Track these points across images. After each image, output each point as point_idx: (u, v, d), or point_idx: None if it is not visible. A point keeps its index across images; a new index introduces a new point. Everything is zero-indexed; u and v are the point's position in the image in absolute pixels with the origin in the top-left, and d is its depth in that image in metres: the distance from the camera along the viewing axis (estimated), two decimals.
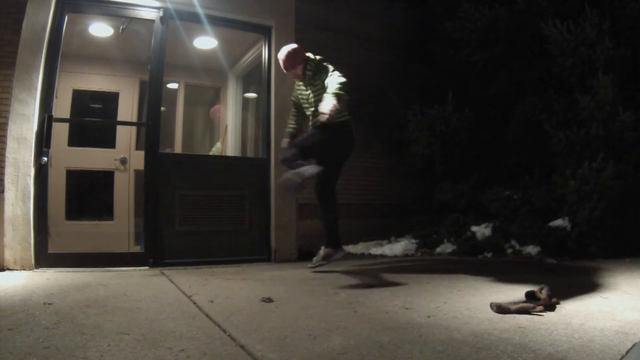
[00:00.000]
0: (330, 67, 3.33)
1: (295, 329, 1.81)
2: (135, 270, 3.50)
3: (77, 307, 2.14)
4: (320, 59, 3.43)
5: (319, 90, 3.30)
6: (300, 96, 3.59)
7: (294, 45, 3.48)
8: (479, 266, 3.87)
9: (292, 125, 3.73)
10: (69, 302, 2.25)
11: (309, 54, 3.45)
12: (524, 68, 5.31)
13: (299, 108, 3.70)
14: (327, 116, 2.99)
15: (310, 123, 3.56)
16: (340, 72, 3.26)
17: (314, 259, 3.54)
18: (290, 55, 3.40)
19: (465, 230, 4.93)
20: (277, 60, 4.33)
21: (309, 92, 3.46)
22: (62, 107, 4.70)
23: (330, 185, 3.42)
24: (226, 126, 5.75)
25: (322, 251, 3.48)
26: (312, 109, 3.46)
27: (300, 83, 3.55)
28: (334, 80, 3.14)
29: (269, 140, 4.33)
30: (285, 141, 3.69)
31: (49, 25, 3.53)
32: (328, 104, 2.98)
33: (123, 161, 5.10)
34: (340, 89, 3.08)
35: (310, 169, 3.17)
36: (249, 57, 5.16)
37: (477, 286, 2.76)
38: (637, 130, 4.31)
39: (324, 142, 3.34)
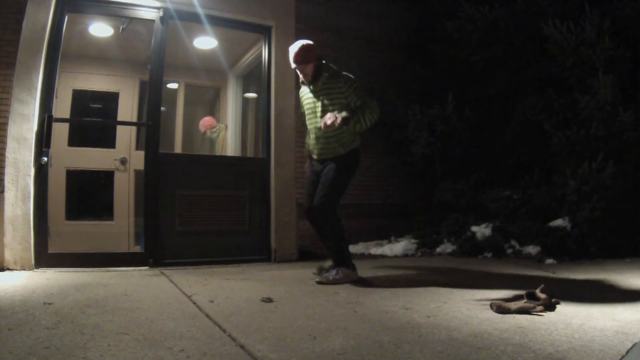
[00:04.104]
0: (348, 81, 3.01)
1: (295, 329, 1.81)
2: (135, 270, 3.50)
3: (77, 307, 2.14)
4: (337, 70, 3.09)
5: (333, 103, 2.99)
6: (306, 105, 3.21)
7: (310, 41, 3.07)
8: (479, 266, 3.87)
9: (308, 146, 3.36)
10: (69, 302, 2.25)
11: (323, 60, 3.11)
12: (524, 68, 5.31)
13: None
14: (323, 126, 2.87)
15: (313, 149, 3.19)
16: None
17: (329, 275, 3.00)
18: (304, 49, 3.00)
19: (465, 230, 4.93)
20: (277, 60, 4.35)
21: (315, 99, 3.08)
22: (62, 107, 4.70)
23: (335, 205, 3.03)
24: (226, 126, 5.75)
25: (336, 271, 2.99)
26: (317, 120, 3.08)
27: (305, 89, 3.20)
28: (369, 109, 2.98)
29: (269, 140, 4.33)
30: (308, 166, 3.38)
31: (49, 25, 3.52)
32: (331, 118, 2.83)
33: (123, 161, 5.10)
34: (370, 121, 2.98)
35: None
36: (249, 57, 5.16)
37: (477, 286, 2.77)
38: (637, 130, 4.31)
39: (338, 174, 3.03)
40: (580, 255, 4.16)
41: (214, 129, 5.69)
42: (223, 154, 5.54)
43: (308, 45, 3.03)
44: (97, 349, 1.54)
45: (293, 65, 3.09)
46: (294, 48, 3.04)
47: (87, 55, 5.03)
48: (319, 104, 3.07)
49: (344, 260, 3.02)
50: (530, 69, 5.27)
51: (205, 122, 5.70)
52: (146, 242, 3.80)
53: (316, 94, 3.08)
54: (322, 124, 2.92)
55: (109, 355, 1.49)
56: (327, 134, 3.05)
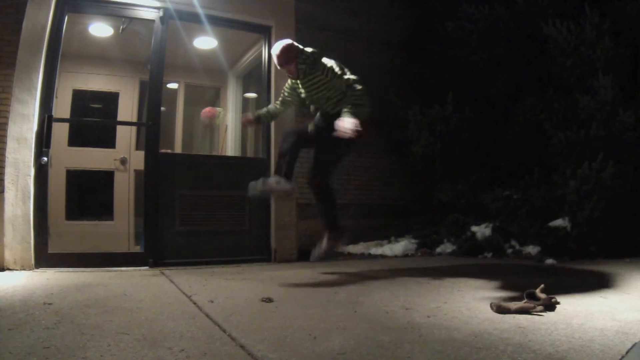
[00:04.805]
0: (328, 62, 3.10)
1: (295, 329, 1.81)
2: (135, 270, 3.50)
3: (77, 307, 2.14)
4: (312, 52, 3.15)
5: (320, 85, 3.12)
6: (300, 91, 3.32)
7: (288, 41, 3.17)
8: (479, 266, 3.87)
9: (264, 111, 3.50)
10: (69, 302, 2.24)
11: (300, 47, 3.17)
12: (524, 68, 5.31)
13: (286, 102, 3.46)
14: (349, 134, 2.84)
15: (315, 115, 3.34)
16: None
17: (318, 251, 3.27)
18: (284, 50, 3.11)
19: (465, 230, 4.93)
20: None
21: (307, 88, 3.19)
22: (62, 107, 4.70)
23: (327, 177, 3.24)
24: (226, 126, 5.75)
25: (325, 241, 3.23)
26: (315, 105, 3.27)
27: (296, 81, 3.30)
28: (349, 86, 3.01)
29: (269, 140, 4.33)
30: (247, 114, 3.54)
31: (49, 25, 3.53)
32: (347, 123, 2.82)
33: (123, 161, 5.10)
34: (359, 98, 2.98)
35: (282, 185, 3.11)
36: (249, 57, 5.16)
37: (477, 286, 2.76)
38: (637, 130, 4.31)
39: (328, 136, 3.08)
40: (581, 255, 4.16)
41: (218, 114, 5.66)
42: (223, 153, 5.54)
43: (288, 45, 3.12)
44: (97, 349, 1.54)
45: (278, 67, 3.24)
46: (275, 51, 3.15)
47: (87, 55, 5.03)
48: (311, 92, 3.21)
49: (335, 224, 3.23)
50: (530, 69, 5.27)
51: (207, 112, 5.66)
52: (146, 242, 3.80)
53: (303, 84, 3.22)
54: (343, 131, 2.92)
55: (109, 355, 1.48)
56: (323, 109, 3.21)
